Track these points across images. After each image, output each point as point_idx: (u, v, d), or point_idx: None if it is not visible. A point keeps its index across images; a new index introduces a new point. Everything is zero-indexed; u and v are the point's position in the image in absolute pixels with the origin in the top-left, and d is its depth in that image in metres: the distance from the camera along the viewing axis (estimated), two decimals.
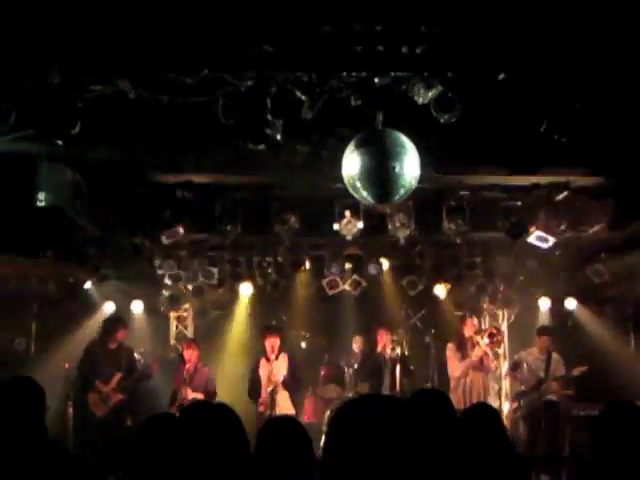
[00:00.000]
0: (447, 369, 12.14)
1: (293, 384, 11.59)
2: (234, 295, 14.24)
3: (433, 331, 13.99)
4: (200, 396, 11.39)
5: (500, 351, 13.87)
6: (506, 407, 13.64)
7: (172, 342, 14.08)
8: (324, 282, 13.02)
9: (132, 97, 6.82)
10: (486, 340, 11.89)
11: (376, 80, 6.69)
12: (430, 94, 6.57)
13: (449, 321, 14.19)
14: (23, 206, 8.09)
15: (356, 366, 13.11)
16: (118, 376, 12.16)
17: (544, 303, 14.39)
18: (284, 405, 11.27)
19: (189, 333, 14.53)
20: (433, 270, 12.86)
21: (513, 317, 14.52)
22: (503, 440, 5.32)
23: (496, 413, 5.57)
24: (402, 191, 6.93)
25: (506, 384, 14.36)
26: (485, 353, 11.75)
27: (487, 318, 14.53)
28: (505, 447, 5.28)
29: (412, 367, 12.66)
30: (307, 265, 12.67)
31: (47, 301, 13.63)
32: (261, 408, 11.31)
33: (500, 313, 14.70)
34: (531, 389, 12.64)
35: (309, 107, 6.82)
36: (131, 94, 6.79)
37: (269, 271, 12.67)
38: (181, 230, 10.22)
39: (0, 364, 11.74)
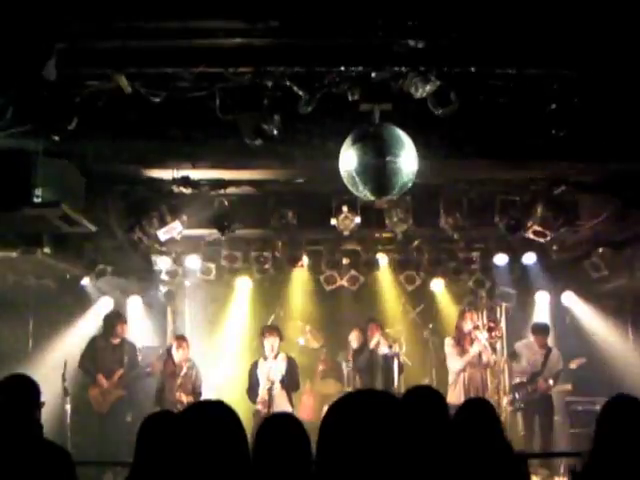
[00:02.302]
0: (446, 364, 12.14)
1: (290, 385, 11.54)
2: (231, 290, 14.23)
3: (431, 326, 13.99)
4: (190, 399, 11.39)
5: (498, 346, 13.85)
6: (504, 402, 13.63)
7: (169, 339, 14.04)
8: (322, 277, 13.00)
9: (129, 92, 6.81)
10: (485, 334, 11.89)
11: (373, 75, 6.67)
12: (427, 88, 6.55)
13: (447, 316, 14.20)
14: (20, 202, 8.07)
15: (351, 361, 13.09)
16: (120, 372, 12.19)
17: (542, 297, 14.38)
18: (282, 404, 11.21)
19: (187, 329, 14.50)
20: (431, 265, 12.85)
21: (511, 311, 14.49)
22: (499, 435, 5.32)
23: (492, 408, 5.57)
24: (400, 186, 6.94)
25: (504, 379, 14.35)
26: (484, 347, 11.74)
27: (485, 313, 14.51)
28: (501, 442, 5.29)
29: (410, 363, 12.66)
30: (305, 260, 12.65)
31: (44, 297, 13.60)
32: (259, 406, 11.26)
33: (498, 308, 14.68)
34: (526, 382, 12.67)
35: (306, 102, 6.81)
36: (127, 89, 6.78)
37: (267, 266, 12.63)
38: (178, 226, 10.20)
39: None
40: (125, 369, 12.27)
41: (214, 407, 3.33)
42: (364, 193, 7.07)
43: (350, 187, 7.08)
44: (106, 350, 12.39)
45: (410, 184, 7.02)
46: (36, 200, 7.95)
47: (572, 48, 6.51)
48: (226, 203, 10.22)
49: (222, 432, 3.15)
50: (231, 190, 10.11)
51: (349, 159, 6.89)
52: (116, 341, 12.46)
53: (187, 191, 9.78)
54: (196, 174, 9.44)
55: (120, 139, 8.01)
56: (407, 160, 6.83)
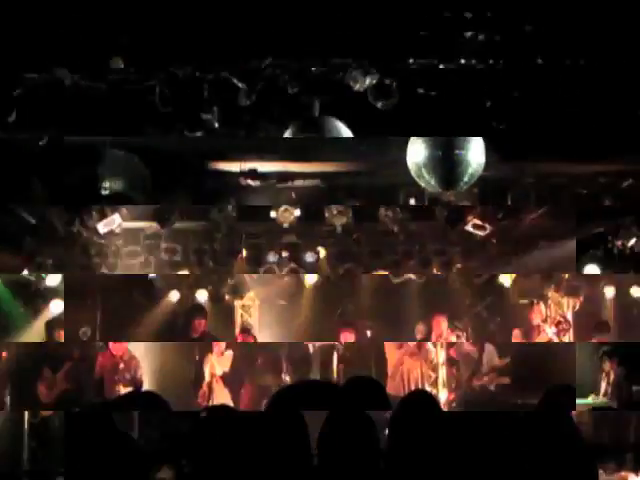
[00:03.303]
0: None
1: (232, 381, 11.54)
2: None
3: (499, 319, 13.84)
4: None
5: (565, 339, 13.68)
6: (443, 396, 13.65)
7: None
8: (261, 270, 12.95)
9: (68, 84, 6.78)
10: (553, 329, 11.93)
11: (313, 68, 6.72)
12: (367, 81, 6.62)
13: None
14: None
15: None
16: (67, 365, 11.89)
17: (609, 291, 14.25)
18: (222, 398, 11.15)
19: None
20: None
21: (578, 305, 14.35)
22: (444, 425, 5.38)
23: (433, 398, 5.62)
24: (467, 178, 7.09)
25: (443, 373, 14.37)
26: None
27: (552, 307, 14.40)
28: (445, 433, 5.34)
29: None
30: (244, 253, 12.61)
31: None
32: (199, 400, 11.23)
33: (565, 301, 14.55)
34: (465, 380, 12.76)
35: (246, 94, 6.83)
36: (67, 81, 6.75)
37: (206, 259, 12.57)
38: (118, 218, 10.15)
39: None
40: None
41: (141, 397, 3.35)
42: (432, 185, 7.20)
43: (417, 178, 7.19)
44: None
45: (477, 176, 7.18)
46: None
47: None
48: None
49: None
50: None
51: (417, 151, 7.02)
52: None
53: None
54: None
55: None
56: (474, 152, 6.98)
